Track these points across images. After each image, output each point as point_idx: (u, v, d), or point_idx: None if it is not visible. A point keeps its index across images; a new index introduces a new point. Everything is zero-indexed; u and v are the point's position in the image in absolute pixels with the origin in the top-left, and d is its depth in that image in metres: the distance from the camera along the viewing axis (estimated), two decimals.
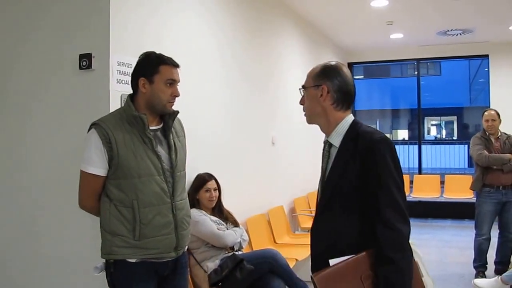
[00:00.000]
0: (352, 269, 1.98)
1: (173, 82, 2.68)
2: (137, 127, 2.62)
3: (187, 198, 2.90)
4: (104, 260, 2.71)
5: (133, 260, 2.62)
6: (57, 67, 3.60)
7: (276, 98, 6.64)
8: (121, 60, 3.52)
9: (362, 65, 11.96)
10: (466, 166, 16.53)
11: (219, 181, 4.39)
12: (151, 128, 2.68)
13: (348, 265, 1.98)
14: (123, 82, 3.51)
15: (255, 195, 5.78)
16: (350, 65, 11.07)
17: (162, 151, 2.70)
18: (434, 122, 26.00)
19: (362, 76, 19.38)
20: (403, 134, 24.62)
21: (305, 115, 2.32)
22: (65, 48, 3.56)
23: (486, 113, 5.92)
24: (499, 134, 5.89)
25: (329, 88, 2.18)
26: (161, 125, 2.76)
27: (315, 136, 8.03)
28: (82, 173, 2.64)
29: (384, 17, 7.96)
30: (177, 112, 2.79)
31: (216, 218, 4.30)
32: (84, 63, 3.45)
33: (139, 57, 2.75)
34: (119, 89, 3.49)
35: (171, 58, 2.71)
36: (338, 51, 10.23)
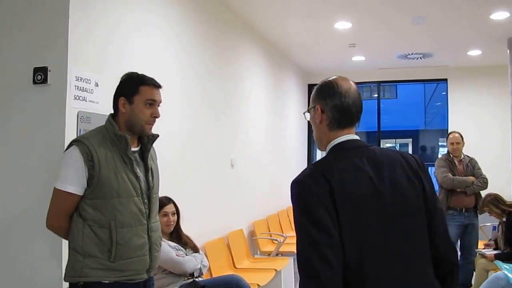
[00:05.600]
0: None
1: (153, 102, 2.67)
2: (119, 147, 2.61)
3: (159, 221, 2.89)
4: (66, 285, 2.63)
5: (106, 281, 2.56)
6: (9, 80, 3.37)
7: (237, 120, 6.54)
8: (80, 75, 3.35)
9: None
10: None
11: (177, 204, 4.22)
12: (132, 149, 2.68)
13: None
14: (81, 98, 3.34)
15: (214, 219, 5.63)
16: (310, 87, 11.06)
17: (140, 173, 2.70)
18: (389, 145, 26.31)
19: None
20: None
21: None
22: (18, 61, 3.35)
23: (450, 136, 5.97)
24: (462, 156, 5.93)
25: (323, 108, 1.93)
26: (139, 147, 2.76)
27: (274, 158, 8.08)
28: (57, 191, 2.57)
29: (347, 39, 7.98)
30: (157, 136, 2.79)
31: (175, 244, 4.12)
32: (39, 77, 3.25)
33: (121, 77, 2.73)
34: (76, 106, 3.32)
35: (152, 79, 2.71)
36: (300, 72, 10.23)
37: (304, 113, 2.09)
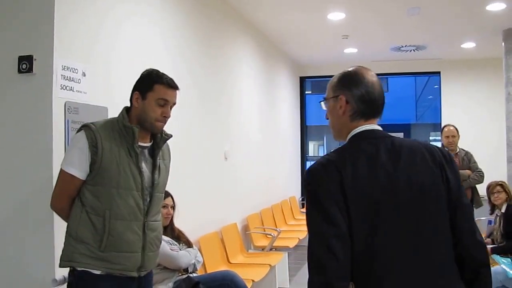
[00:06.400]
0: None
1: (165, 102, 2.67)
2: (126, 139, 2.62)
3: (161, 221, 2.88)
4: (65, 273, 2.60)
5: (98, 272, 2.54)
6: None
7: (230, 112, 6.46)
8: (67, 64, 3.23)
9: (311, 80, 11.90)
10: None
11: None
12: (140, 144, 2.68)
13: None
14: (67, 88, 3.23)
15: (208, 212, 5.54)
16: (302, 80, 10.99)
17: (145, 168, 2.69)
18: None
19: (310, 92, 19.47)
20: None
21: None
22: (1, 49, 3.22)
23: (445, 129, 5.88)
24: (458, 150, 5.85)
25: (348, 98, 1.86)
26: (150, 144, 2.76)
27: (268, 151, 8.00)
28: (61, 172, 2.60)
29: (340, 30, 7.92)
30: (171, 135, 2.81)
31: (169, 238, 4.05)
32: (24, 66, 3.13)
33: (142, 72, 2.74)
34: (62, 96, 3.20)
35: (170, 79, 2.71)
36: (291, 64, 10.17)
37: (320, 102, 2.05)
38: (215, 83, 5.97)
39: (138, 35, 4.22)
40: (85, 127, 2.59)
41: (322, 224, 1.68)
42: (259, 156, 7.60)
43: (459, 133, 5.88)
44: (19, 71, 3.14)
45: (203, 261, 4.75)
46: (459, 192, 1.81)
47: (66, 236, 2.59)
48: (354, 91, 1.86)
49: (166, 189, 4.11)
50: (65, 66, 3.22)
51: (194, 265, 4.13)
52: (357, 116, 1.86)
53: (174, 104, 2.73)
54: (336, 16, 7.07)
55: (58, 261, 2.59)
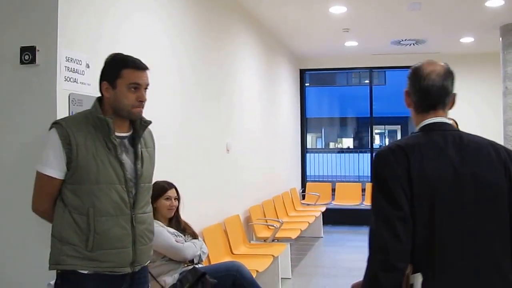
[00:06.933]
0: None
1: (137, 86, 2.53)
2: (101, 131, 2.49)
3: (152, 213, 2.74)
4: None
5: (85, 272, 2.44)
6: None
7: (231, 104, 6.50)
8: (70, 55, 3.16)
9: (310, 72, 11.96)
10: None
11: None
12: (118, 134, 2.55)
13: None
14: (71, 80, 3.17)
15: (211, 204, 5.59)
16: (302, 72, 11.05)
17: (127, 159, 2.57)
18: (378, 131, 26.46)
19: (308, 84, 19.53)
20: (349, 142, 24.94)
21: None
22: (3, 39, 3.15)
23: None
24: None
25: (409, 92, 2.00)
26: (130, 133, 2.63)
27: (268, 143, 8.07)
28: (38, 174, 2.50)
29: (341, 24, 7.97)
30: (150, 122, 2.66)
31: (174, 230, 4.04)
32: (27, 57, 3.05)
33: (106, 59, 2.60)
34: (67, 88, 3.13)
35: (137, 61, 2.56)
36: (291, 57, 10.22)
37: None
38: (217, 75, 6.00)
39: (142, 27, 4.20)
40: (55, 124, 2.48)
41: (387, 206, 1.76)
42: (260, 148, 7.66)
43: (458, 127, 5.96)
44: (21, 62, 3.06)
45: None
46: None
47: (51, 238, 2.49)
48: (414, 85, 1.97)
49: (170, 180, 4.20)
50: (69, 57, 3.15)
51: (200, 256, 4.12)
52: (419, 108, 1.97)
53: (148, 85, 2.58)
54: (338, 9, 7.11)
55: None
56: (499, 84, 8.06)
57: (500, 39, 7.96)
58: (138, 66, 2.55)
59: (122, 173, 2.51)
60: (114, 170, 2.48)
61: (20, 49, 3.07)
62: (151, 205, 2.74)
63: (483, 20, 7.65)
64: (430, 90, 1.94)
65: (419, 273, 1.76)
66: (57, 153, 2.43)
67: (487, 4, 6.71)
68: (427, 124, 1.94)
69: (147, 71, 2.58)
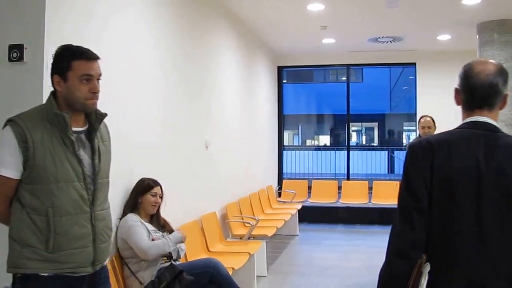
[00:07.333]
0: None
1: (90, 77, 2.43)
2: (58, 127, 2.40)
3: (109, 209, 2.65)
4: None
5: (45, 274, 2.35)
6: None
7: (210, 101, 6.47)
8: None
9: (287, 69, 11.95)
10: (387, 172, 16.92)
11: None
12: (75, 129, 2.46)
13: None
14: None
15: (188, 201, 5.57)
16: (280, 69, 11.02)
17: (84, 155, 2.48)
18: (354, 128, 26.61)
19: (286, 81, 19.55)
20: (325, 139, 25.03)
21: None
22: None
23: (422, 120, 5.98)
24: None
25: (458, 90, 2.03)
26: (86, 127, 2.54)
27: (246, 141, 8.03)
28: None
29: (319, 21, 7.96)
30: (105, 114, 2.57)
31: (153, 227, 4.16)
32: (15, 54, 3.11)
33: (55, 51, 2.51)
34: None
35: (86, 51, 2.46)
36: (269, 54, 10.19)
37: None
38: (197, 72, 5.98)
39: (127, 25, 4.26)
40: (10, 122, 2.38)
41: (407, 197, 1.89)
42: (237, 145, 7.63)
43: (435, 124, 5.98)
44: (10, 60, 3.12)
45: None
46: None
47: (9, 240, 2.40)
48: (462, 83, 2.00)
49: (155, 178, 4.22)
50: None
51: (178, 252, 4.20)
52: (465, 106, 2.01)
53: (100, 75, 2.49)
54: (316, 7, 7.10)
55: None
56: None
57: (477, 36, 8.01)
58: (88, 56, 2.45)
59: (81, 170, 2.43)
60: (72, 167, 2.41)
61: (9, 47, 3.13)
62: (108, 201, 2.66)
63: (460, 18, 7.69)
64: (478, 89, 1.96)
65: (427, 263, 1.85)
66: (13, 152, 2.33)
67: (464, 1, 6.75)
68: (466, 122, 1.98)
69: (99, 61, 2.49)
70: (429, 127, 5.91)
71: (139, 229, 3.95)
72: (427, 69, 10.40)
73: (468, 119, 1.97)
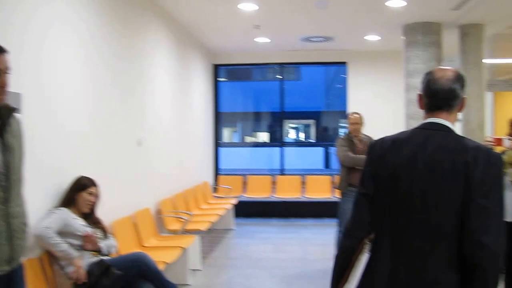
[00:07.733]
0: None
1: None
2: None
3: (24, 205, 2.56)
4: None
5: None
6: None
7: (144, 99, 6.51)
8: None
9: (226, 67, 12.08)
10: (324, 167, 17.34)
11: None
12: None
13: None
14: None
15: (121, 197, 5.61)
16: (216, 68, 11.13)
17: None
18: (292, 125, 26.98)
19: (225, 79, 19.66)
20: (264, 136, 25.28)
21: None
22: None
23: (351, 116, 6.23)
24: (362, 136, 6.20)
25: (422, 95, 2.21)
26: None
27: (181, 138, 8.11)
28: None
29: (252, 20, 8.08)
30: (15, 108, 2.50)
31: (85, 223, 4.19)
32: None
33: None
34: None
35: None
36: (205, 52, 10.25)
37: None
38: (129, 70, 6.00)
39: (52, 19, 4.21)
40: None
41: (359, 186, 2.20)
42: (172, 142, 7.69)
43: (363, 120, 6.25)
44: None
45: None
46: (478, 192, 1.93)
47: None
48: (425, 88, 2.18)
49: (93, 177, 4.28)
50: None
51: (109, 248, 4.28)
52: (426, 109, 2.19)
53: (7, 69, 2.35)
54: (247, 6, 7.20)
55: None
56: (402, 80, 8.47)
57: (403, 37, 8.37)
58: None
59: None
60: None
61: None
62: (22, 197, 2.55)
63: (386, 20, 8.00)
64: (439, 93, 2.13)
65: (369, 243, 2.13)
66: None
67: (387, 4, 7.03)
68: (424, 123, 2.17)
69: (6, 54, 2.35)
70: (357, 123, 6.14)
71: (54, 215, 3.92)
72: (357, 68, 10.78)
73: (426, 120, 2.16)
